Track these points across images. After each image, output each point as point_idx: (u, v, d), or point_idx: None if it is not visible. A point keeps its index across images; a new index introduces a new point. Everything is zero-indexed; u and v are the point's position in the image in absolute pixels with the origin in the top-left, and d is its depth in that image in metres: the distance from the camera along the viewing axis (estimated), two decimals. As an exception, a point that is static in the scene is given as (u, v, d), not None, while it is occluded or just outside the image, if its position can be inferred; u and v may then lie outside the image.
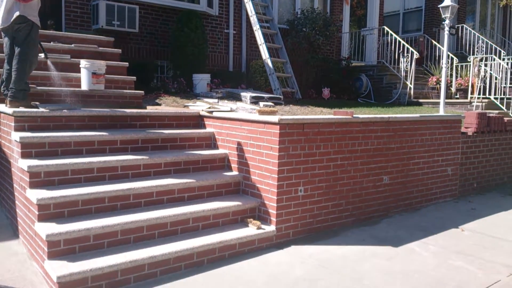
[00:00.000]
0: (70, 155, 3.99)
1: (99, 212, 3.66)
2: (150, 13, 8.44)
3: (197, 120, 5.08)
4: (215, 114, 4.87)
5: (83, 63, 5.28)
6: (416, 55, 9.91)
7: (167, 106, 6.23)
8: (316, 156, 4.35)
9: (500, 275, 3.53)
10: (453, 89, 10.07)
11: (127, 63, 6.19)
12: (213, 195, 4.29)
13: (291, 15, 10.51)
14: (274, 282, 3.35)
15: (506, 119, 6.68)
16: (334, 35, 10.55)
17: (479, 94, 9.12)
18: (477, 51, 12.50)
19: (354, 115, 4.58)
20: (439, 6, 7.78)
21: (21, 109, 4.12)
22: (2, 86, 4.42)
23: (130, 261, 3.28)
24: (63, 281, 3.01)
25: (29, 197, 3.51)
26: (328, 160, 4.46)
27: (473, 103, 9.03)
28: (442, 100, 7.91)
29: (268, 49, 8.17)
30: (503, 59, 11.41)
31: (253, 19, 8.36)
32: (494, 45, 12.53)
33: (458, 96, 9.83)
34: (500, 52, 11.81)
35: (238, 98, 7.10)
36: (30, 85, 4.44)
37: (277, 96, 7.45)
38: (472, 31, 13.05)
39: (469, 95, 9.33)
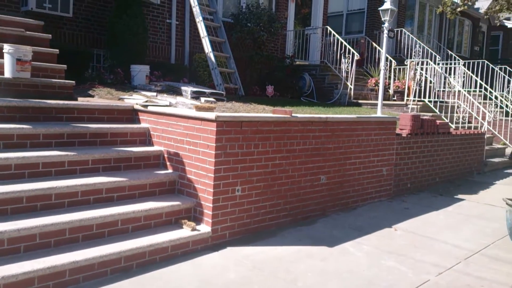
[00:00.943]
0: (-16, 149, 3.62)
1: (15, 213, 3.33)
2: (86, -4, 7.95)
3: (131, 115, 4.81)
4: (150, 108, 4.63)
5: (7, 47, 4.80)
6: (356, 56, 10.13)
7: (101, 98, 5.87)
8: (254, 155, 4.26)
9: (429, 275, 3.63)
10: (391, 91, 10.41)
11: (57, 49, 5.75)
12: (145, 195, 4.07)
13: (236, 9, 10.36)
14: (205, 287, 3.22)
15: (438, 121, 6.97)
16: (279, 32, 10.54)
17: (414, 96, 9.49)
18: (414, 55, 13.04)
19: (293, 114, 4.53)
20: (379, 9, 7.97)
21: None
22: None
23: (49, 267, 3.01)
24: (-33, 292, 2.70)
25: None
26: (267, 159, 4.38)
27: (409, 105, 9.38)
28: (379, 101, 8.12)
29: (212, 42, 7.98)
30: (438, 64, 12.00)
31: (196, 10, 8.13)
32: (430, 50, 13.13)
33: (395, 98, 10.18)
34: (435, 56, 12.40)
35: (178, 92, 6.86)
36: None
37: (220, 92, 7.29)
38: (411, 35, 13.59)
39: (405, 98, 9.68)
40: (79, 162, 3.89)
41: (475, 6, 16.22)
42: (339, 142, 5.17)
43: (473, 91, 11.06)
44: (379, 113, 8.11)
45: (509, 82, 12.04)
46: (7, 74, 4.80)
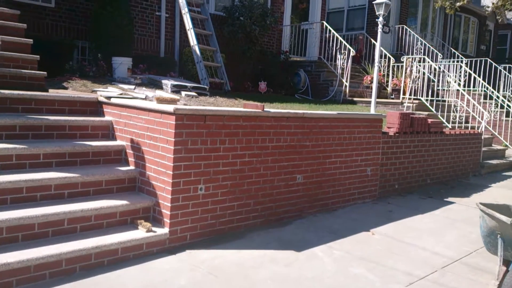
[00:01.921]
0: None
1: (-50, 209, 3.10)
2: (69, -14, 7.73)
3: (96, 107, 4.56)
4: (113, 100, 4.37)
5: (-31, 36, 4.60)
6: (352, 52, 9.79)
7: (74, 90, 5.64)
8: (220, 152, 3.99)
9: (398, 284, 3.33)
10: (389, 89, 10.07)
11: (31, 39, 5.50)
12: (101, 193, 3.81)
13: (229, 2, 10.08)
14: (150, 294, 2.96)
15: (430, 120, 6.63)
16: (272, 26, 10.23)
17: (410, 94, 9.15)
18: (415, 52, 12.66)
19: (265, 109, 4.25)
20: (373, 2, 7.64)
21: None
22: None
23: (-23, 270, 2.77)
24: None
25: None
26: (234, 156, 4.11)
27: (404, 104, 9.05)
28: (373, 99, 7.81)
29: (197, 35, 7.71)
30: (440, 62, 11.62)
31: (182, 1, 7.86)
32: (432, 48, 12.75)
33: (393, 97, 9.84)
34: (437, 54, 12.03)
35: (159, 86, 6.62)
36: None
37: (203, 86, 7.03)
38: (412, 32, 13.20)
39: (401, 96, 9.35)
40: (29, 156, 3.65)
41: (480, 4, 15.76)
42: (317, 140, 4.87)
43: (474, 90, 10.67)
44: (372, 111, 7.79)
45: (513, 81, 11.62)
46: (-28, 63, 4.59)
